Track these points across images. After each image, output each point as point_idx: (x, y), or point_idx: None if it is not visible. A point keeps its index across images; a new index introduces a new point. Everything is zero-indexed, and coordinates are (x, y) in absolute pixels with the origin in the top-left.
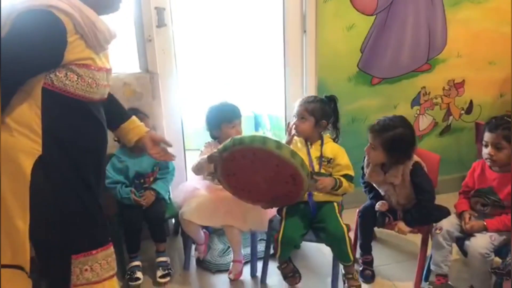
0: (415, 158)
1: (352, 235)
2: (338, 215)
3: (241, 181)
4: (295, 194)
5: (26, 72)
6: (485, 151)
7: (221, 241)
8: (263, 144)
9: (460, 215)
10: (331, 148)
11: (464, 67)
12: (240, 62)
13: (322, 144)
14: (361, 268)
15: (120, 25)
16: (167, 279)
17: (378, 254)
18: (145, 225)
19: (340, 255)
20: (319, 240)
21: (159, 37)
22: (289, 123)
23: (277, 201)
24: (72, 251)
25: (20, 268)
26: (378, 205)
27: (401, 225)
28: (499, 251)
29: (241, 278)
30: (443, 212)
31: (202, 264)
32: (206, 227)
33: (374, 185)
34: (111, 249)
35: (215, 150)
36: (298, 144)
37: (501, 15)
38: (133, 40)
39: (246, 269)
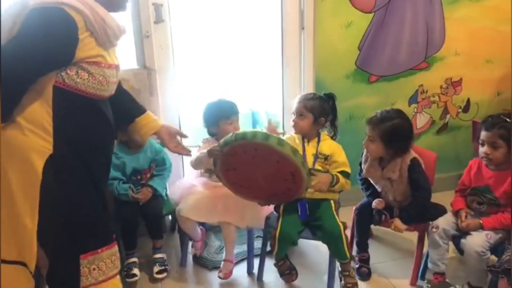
0: (413, 154)
1: (348, 232)
2: (334, 213)
3: (240, 177)
4: (294, 192)
5: (37, 70)
6: (482, 149)
7: (217, 238)
8: (265, 140)
9: (456, 213)
10: (328, 145)
11: (461, 65)
12: (238, 59)
13: (318, 142)
14: (357, 266)
15: (117, 20)
16: (164, 275)
17: (375, 251)
18: (142, 221)
19: (336, 253)
20: (315, 237)
21: (157, 33)
22: (269, 121)
23: (274, 198)
24: (80, 251)
25: (24, 264)
26: (374, 203)
27: (398, 222)
28: (495, 249)
29: (238, 275)
30: (440, 210)
31: (199, 261)
32: (202, 224)
33: (371, 181)
34: (115, 248)
35: (215, 145)
36: (296, 141)
37: (499, 13)
38: (131, 36)
39: (243, 266)
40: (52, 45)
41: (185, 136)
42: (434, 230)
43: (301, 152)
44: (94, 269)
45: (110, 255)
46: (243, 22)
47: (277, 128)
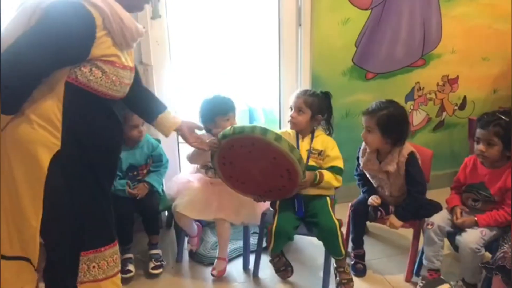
0: (411, 148)
1: (344, 229)
2: (330, 209)
3: (236, 171)
4: (289, 189)
5: (51, 63)
6: (477, 147)
7: (214, 234)
8: (263, 135)
9: (451, 210)
10: (321, 140)
11: (458, 63)
12: (235, 55)
13: (312, 138)
14: (352, 262)
15: (136, 23)
16: (160, 270)
17: (370, 248)
18: (138, 217)
19: (332, 250)
20: (311, 233)
21: (154, 29)
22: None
23: (270, 195)
24: (82, 248)
25: (27, 260)
26: (371, 199)
27: (393, 219)
28: (490, 246)
29: (233, 271)
30: (435, 207)
31: (195, 257)
32: (199, 220)
33: (368, 176)
34: (117, 246)
35: (213, 138)
36: (290, 136)
37: (496, 11)
38: None
39: (239, 262)
40: (68, 39)
41: (201, 129)
42: (429, 227)
43: None
44: (93, 266)
45: (113, 253)
46: (240, 18)
47: None
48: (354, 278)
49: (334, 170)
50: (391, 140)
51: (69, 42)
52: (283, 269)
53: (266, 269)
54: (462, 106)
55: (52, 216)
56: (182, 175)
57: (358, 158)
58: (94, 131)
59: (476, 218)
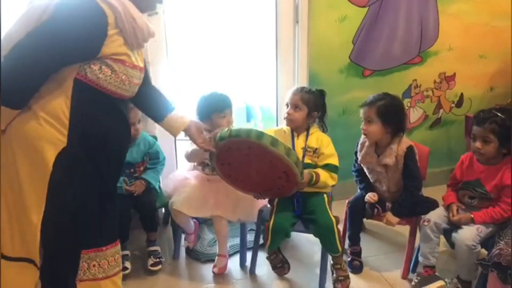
0: (410, 142)
1: (341, 226)
2: (327, 207)
3: (234, 171)
4: (287, 189)
5: (61, 59)
6: (473, 144)
7: (211, 231)
8: (258, 140)
9: (448, 207)
10: (316, 137)
11: (455, 60)
12: (232, 53)
13: (307, 135)
14: (349, 259)
15: (147, 23)
16: (159, 267)
17: (367, 245)
18: (136, 214)
19: (328, 247)
20: (308, 230)
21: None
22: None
23: (269, 193)
24: (83, 246)
25: (29, 261)
26: (368, 197)
27: (390, 216)
28: (486, 243)
29: (230, 268)
30: (432, 204)
31: (192, 254)
32: (196, 217)
33: (366, 171)
34: (118, 246)
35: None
36: (285, 133)
37: (493, 9)
38: None
39: (236, 259)
40: (79, 35)
41: (208, 129)
42: (425, 223)
43: (290, 146)
44: (94, 265)
45: (114, 253)
46: (237, 16)
47: None
48: (351, 275)
49: (329, 168)
50: (391, 129)
51: (80, 39)
52: (280, 266)
53: (263, 266)
54: (459, 104)
55: (54, 213)
56: (179, 172)
57: (356, 153)
58: (101, 130)
59: (472, 215)
